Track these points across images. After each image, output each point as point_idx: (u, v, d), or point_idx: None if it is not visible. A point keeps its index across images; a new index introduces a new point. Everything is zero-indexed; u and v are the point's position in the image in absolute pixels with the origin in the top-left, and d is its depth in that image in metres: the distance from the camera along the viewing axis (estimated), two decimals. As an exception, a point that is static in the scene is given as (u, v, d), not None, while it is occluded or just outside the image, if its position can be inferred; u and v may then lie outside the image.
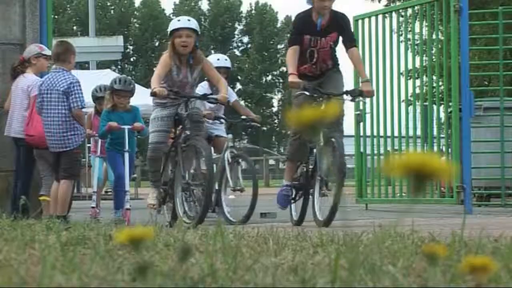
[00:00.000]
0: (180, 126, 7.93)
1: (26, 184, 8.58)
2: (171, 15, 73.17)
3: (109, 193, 14.51)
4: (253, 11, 74.29)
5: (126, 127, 9.20)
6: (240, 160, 8.79)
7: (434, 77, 11.58)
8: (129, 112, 9.44)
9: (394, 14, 12.04)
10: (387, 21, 11.72)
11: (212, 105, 8.98)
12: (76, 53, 8.58)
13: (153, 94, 7.53)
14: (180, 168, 7.67)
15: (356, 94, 7.75)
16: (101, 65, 34.10)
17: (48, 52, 8.68)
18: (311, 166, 7.63)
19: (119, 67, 68.28)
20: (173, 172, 7.82)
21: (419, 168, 1.32)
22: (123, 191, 9.20)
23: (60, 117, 8.00)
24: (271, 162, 53.71)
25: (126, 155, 9.20)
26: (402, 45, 13.16)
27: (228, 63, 9.78)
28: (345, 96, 7.71)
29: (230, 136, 9.07)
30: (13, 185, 8.73)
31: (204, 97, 8.02)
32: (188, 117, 7.73)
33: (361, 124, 11.97)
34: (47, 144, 8.16)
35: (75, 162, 8.24)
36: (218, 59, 9.69)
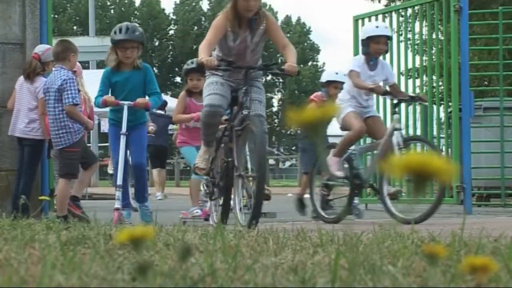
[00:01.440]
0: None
1: (28, 184, 8.57)
2: (170, 14, 73.12)
3: None
4: (253, 11, 74.25)
5: (126, 103, 7.56)
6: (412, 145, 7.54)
7: (434, 77, 11.57)
8: (139, 71, 7.72)
9: (394, 14, 12.04)
10: (387, 21, 11.71)
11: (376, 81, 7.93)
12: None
13: (201, 65, 6.30)
14: (234, 157, 6.43)
15: None
16: (101, 65, 34.13)
17: None
18: None
19: (119, 66, 68.19)
20: (226, 163, 6.58)
21: (420, 168, 1.32)
22: (115, 186, 7.67)
23: (53, 115, 7.93)
24: (271, 161, 53.73)
25: (123, 139, 7.59)
26: (402, 45, 13.16)
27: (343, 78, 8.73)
28: None
29: (397, 116, 7.80)
30: (15, 184, 8.73)
31: (266, 67, 6.70)
32: (246, 92, 6.44)
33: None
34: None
35: (69, 161, 7.92)
36: (337, 73, 9.19)
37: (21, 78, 8.69)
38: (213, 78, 6.60)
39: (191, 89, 8.39)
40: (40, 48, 8.74)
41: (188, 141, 8.58)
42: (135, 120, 7.84)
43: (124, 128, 7.61)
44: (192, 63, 8.40)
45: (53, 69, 8.21)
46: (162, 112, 15.72)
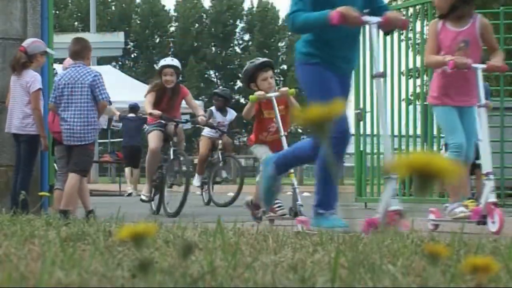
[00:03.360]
0: None
1: (25, 179, 8.57)
2: (172, 11, 73.13)
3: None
4: (254, 9, 74.24)
5: (374, 19, 4.96)
6: None
7: (435, 77, 11.57)
8: None
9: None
10: (389, 20, 11.71)
11: None
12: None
13: None
14: None
15: None
16: (102, 61, 34.13)
17: (47, 49, 8.76)
18: None
19: (120, 63, 68.23)
20: None
21: (424, 168, 1.32)
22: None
23: (82, 111, 7.93)
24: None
25: (379, 82, 4.93)
26: (403, 44, 13.16)
27: None
28: None
29: None
30: (13, 180, 8.72)
31: None
32: None
33: (361, 122, 11.98)
34: (62, 137, 8.06)
35: (87, 158, 8.01)
36: None
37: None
38: None
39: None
40: (27, 41, 8.74)
41: (445, 97, 5.68)
42: (353, 61, 5.14)
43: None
44: None
45: (72, 65, 8.19)
46: (134, 115, 17.11)
